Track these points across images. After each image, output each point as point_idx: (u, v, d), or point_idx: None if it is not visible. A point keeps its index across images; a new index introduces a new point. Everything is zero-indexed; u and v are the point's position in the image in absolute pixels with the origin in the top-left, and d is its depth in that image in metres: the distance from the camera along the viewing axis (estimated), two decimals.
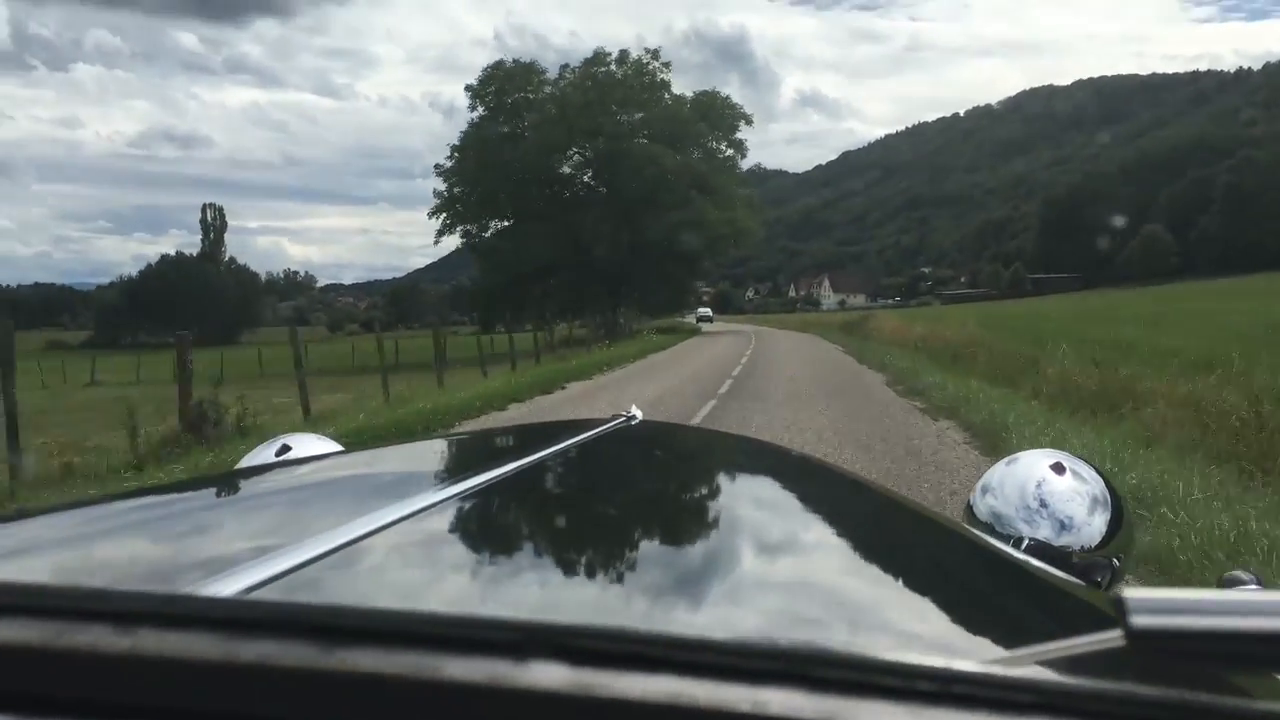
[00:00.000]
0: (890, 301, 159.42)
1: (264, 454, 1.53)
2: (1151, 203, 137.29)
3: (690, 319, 79.10)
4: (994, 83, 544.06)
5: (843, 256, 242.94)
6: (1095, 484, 1.33)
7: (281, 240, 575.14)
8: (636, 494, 1.13)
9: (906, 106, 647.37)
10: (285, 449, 1.53)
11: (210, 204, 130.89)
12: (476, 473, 0.94)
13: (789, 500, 1.15)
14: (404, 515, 0.77)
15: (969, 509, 1.38)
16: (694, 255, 50.83)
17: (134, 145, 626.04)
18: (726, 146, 54.82)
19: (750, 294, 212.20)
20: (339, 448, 1.60)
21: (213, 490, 1.15)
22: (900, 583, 0.82)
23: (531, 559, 0.80)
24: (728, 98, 56.07)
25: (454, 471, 1.05)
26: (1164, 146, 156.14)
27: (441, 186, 51.29)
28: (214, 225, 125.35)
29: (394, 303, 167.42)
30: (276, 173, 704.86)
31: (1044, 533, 1.25)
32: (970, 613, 0.73)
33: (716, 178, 51.89)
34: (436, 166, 51.99)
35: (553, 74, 54.66)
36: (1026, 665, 0.45)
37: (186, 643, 0.37)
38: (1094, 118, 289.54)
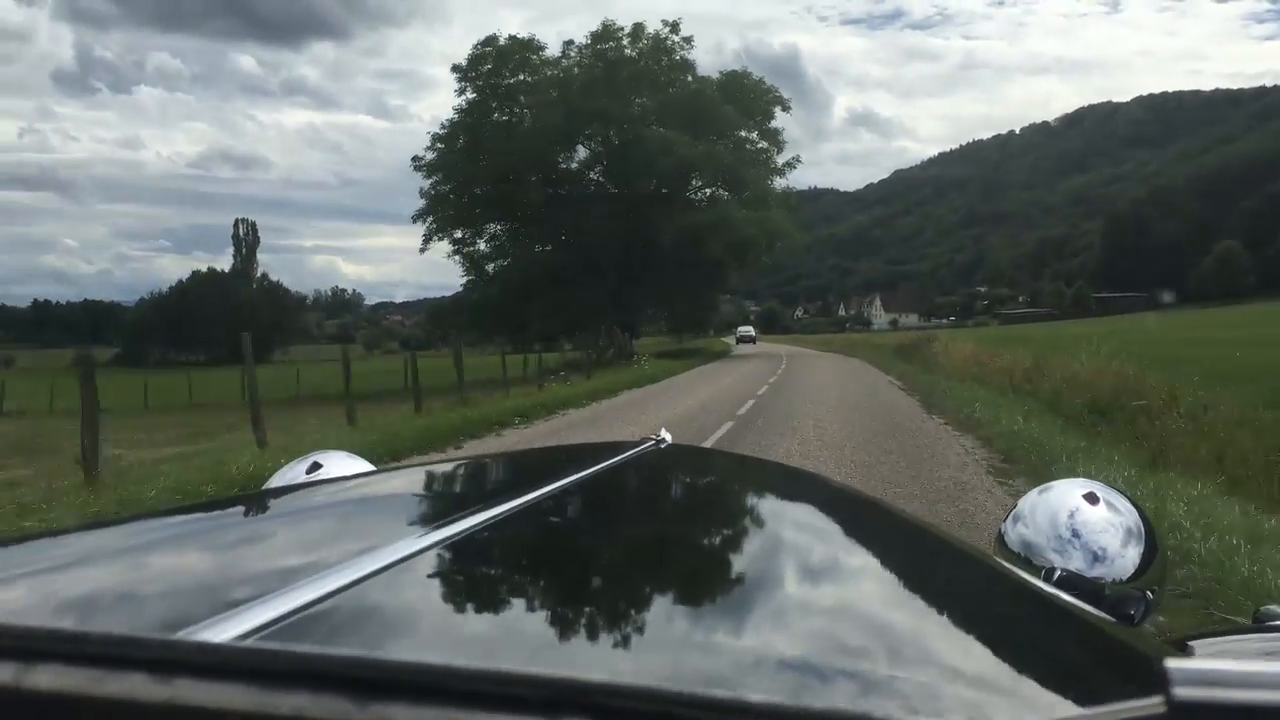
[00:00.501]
0: (945, 321, 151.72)
1: (295, 471, 1.52)
2: (1223, 220, 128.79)
3: (730, 339, 72.63)
4: (1049, 101, 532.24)
5: (894, 275, 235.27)
6: (1130, 515, 1.30)
7: (336, 259, 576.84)
8: (668, 521, 1.13)
9: (959, 125, 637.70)
10: (316, 466, 1.51)
11: (242, 219, 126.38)
12: (506, 498, 0.93)
13: (821, 529, 1.14)
14: (432, 543, 0.76)
15: (1000, 538, 1.36)
16: (717, 263, 43.00)
17: (193, 166, 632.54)
18: (759, 137, 45.76)
19: (799, 313, 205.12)
20: (370, 466, 1.58)
21: (239, 511, 1.13)
22: (935, 619, 0.81)
23: (563, 593, 0.79)
24: (761, 80, 46.85)
25: (483, 496, 1.02)
26: (1235, 162, 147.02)
27: (426, 184, 43.40)
28: (246, 240, 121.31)
29: (434, 320, 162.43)
30: (331, 193, 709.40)
31: (1076, 564, 1.23)
32: (1004, 654, 0.72)
33: (746, 171, 43.35)
34: (414, 159, 42.80)
35: (554, 51, 46.02)
36: None
37: (223, 694, 0.36)
38: (1154, 134, 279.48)
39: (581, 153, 45.57)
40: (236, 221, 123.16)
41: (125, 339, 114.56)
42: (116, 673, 0.37)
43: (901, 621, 0.77)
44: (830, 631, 0.72)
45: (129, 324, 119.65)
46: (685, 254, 40.78)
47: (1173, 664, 0.35)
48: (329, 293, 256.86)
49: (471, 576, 0.79)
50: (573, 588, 0.80)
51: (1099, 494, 1.31)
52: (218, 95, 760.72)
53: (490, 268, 45.98)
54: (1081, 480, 1.38)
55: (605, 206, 42.82)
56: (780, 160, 46.46)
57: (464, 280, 46.99)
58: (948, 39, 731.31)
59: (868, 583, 0.88)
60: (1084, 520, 1.26)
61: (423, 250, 44.47)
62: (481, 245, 45.65)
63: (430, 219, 43.50)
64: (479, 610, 0.72)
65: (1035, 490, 1.40)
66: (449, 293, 57.70)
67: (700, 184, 45.59)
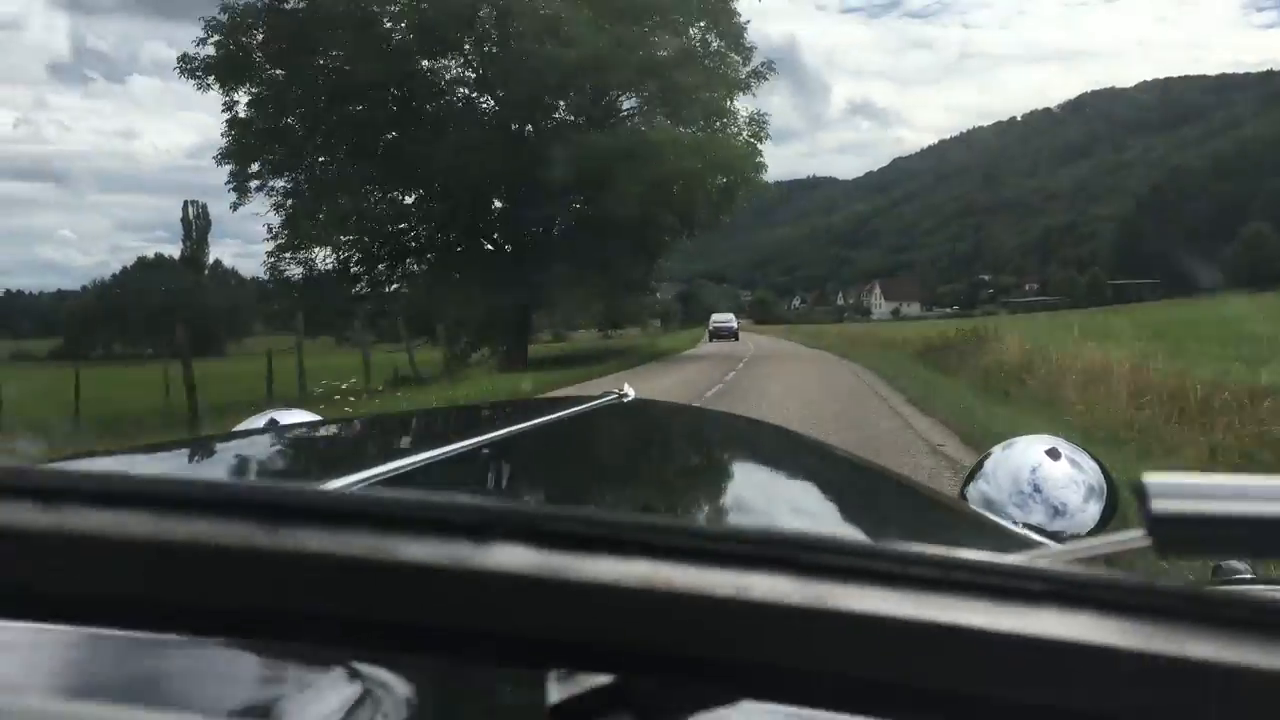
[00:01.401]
0: (949, 310, 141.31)
1: (253, 424, 1.51)
2: (1246, 203, 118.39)
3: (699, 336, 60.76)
4: (1047, 90, 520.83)
5: (894, 264, 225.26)
6: (1091, 471, 1.28)
7: None
8: (626, 456, 1.16)
9: (958, 115, 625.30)
10: (273, 423, 1.50)
11: (192, 201, 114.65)
12: (474, 434, 0.93)
13: (781, 468, 1.13)
14: (390, 470, 0.74)
15: (963, 491, 1.34)
16: (645, 221, 26.99)
17: (191, 156, 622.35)
18: (714, 37, 30.52)
19: (795, 302, 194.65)
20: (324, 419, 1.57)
21: (209, 449, 1.13)
22: (886, 528, 0.78)
23: (562, 492, 0.79)
24: None
25: (452, 433, 1.01)
26: (1255, 145, 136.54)
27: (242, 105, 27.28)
28: (197, 225, 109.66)
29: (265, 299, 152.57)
30: None
31: (1036, 517, 1.21)
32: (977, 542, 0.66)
33: (688, 77, 27.36)
34: (182, 59, 26.02)
35: None
36: (1039, 559, 0.40)
37: (115, 521, 0.33)
38: (1159, 120, 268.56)
39: (450, 61, 29.56)
40: (186, 204, 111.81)
41: (66, 330, 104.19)
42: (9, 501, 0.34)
43: (855, 520, 0.75)
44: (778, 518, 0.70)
45: (68, 314, 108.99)
46: (597, 208, 26.68)
47: (1150, 477, 0.34)
48: None
49: (485, 474, 0.79)
50: (571, 490, 0.80)
51: (1061, 450, 1.29)
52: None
53: (312, 229, 28.05)
54: (1045, 436, 1.36)
55: (482, 134, 27.22)
56: (745, 69, 30.54)
57: (272, 245, 28.87)
58: (946, 27, 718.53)
59: (823, 507, 0.87)
60: (1045, 475, 1.25)
61: (235, 207, 28.24)
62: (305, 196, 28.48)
63: (234, 163, 27.29)
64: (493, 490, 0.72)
65: (998, 446, 1.38)
66: None
67: (625, 100, 30.38)
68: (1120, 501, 1.28)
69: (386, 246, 29.34)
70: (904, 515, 0.97)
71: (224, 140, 27.07)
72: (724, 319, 59.00)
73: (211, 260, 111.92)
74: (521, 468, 0.99)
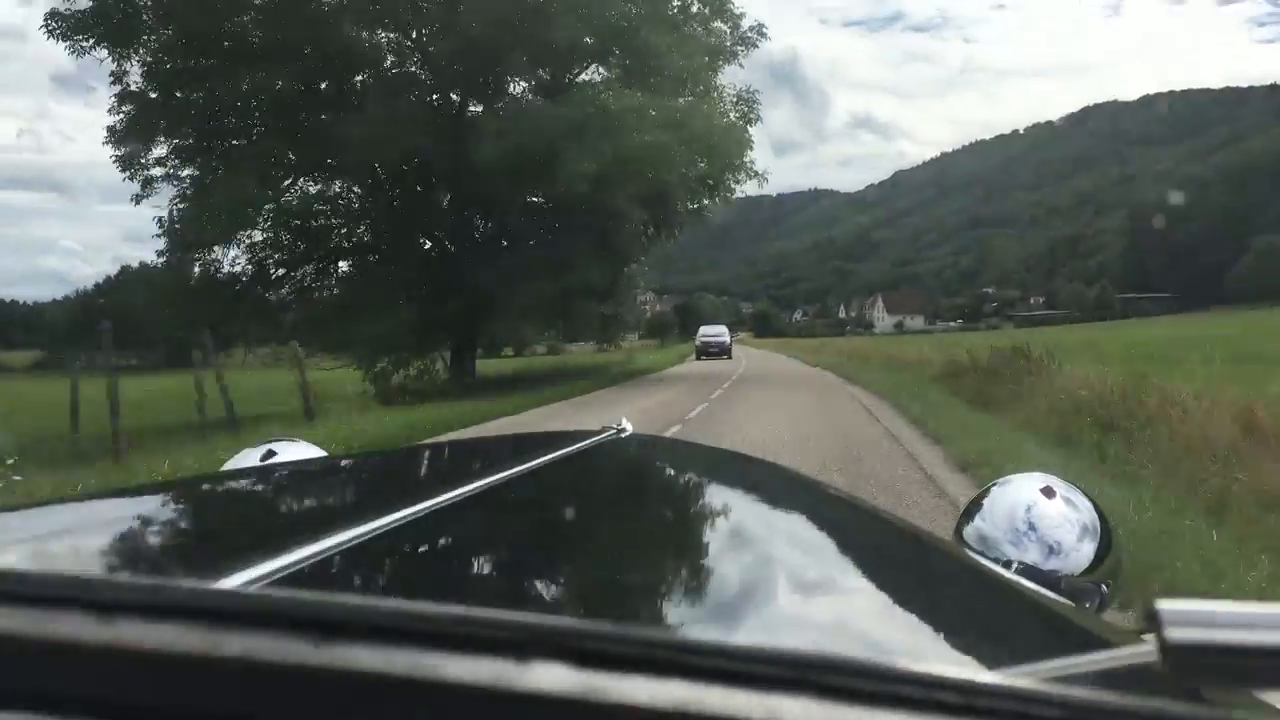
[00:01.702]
0: (953, 324, 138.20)
1: (249, 459, 1.48)
2: (1254, 217, 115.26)
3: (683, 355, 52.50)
4: (1048, 104, 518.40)
5: (896, 277, 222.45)
6: (1086, 510, 1.28)
7: None
8: (630, 502, 1.12)
9: (960, 128, 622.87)
10: (270, 454, 1.47)
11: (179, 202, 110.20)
12: (468, 480, 0.91)
13: (784, 513, 1.13)
14: (395, 520, 0.73)
15: (957, 531, 1.33)
16: (605, 210, 21.90)
17: None
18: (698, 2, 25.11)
19: (797, 315, 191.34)
20: (324, 454, 1.54)
21: (202, 490, 1.11)
22: (901, 597, 0.79)
23: (529, 565, 0.77)
24: None
25: (445, 478, 1.00)
26: (1265, 159, 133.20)
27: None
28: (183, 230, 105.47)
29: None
30: None
31: (1031, 556, 1.21)
32: (980, 628, 0.69)
33: (657, 36, 22.20)
34: (51, 16, 20.44)
35: None
36: (1055, 679, 0.40)
37: (168, 635, 0.34)
38: (1163, 133, 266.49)
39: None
40: (172, 206, 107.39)
41: (48, 341, 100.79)
42: (60, 613, 0.35)
43: (871, 594, 0.76)
44: (801, 603, 0.71)
45: (49, 324, 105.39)
46: (549, 196, 22.17)
47: (1164, 604, 0.33)
48: None
49: (434, 552, 0.78)
50: (538, 565, 0.78)
51: (1056, 488, 1.29)
52: None
53: (217, 221, 21.85)
54: (1039, 475, 1.36)
55: (417, 110, 22.13)
56: (730, 35, 25.12)
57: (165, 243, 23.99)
58: (947, 41, 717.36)
59: (835, 562, 0.87)
60: (1040, 514, 1.24)
61: (137, 200, 22.93)
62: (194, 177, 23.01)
63: (128, 145, 22.34)
64: (444, 578, 0.71)
65: (994, 484, 1.38)
66: None
67: (586, 69, 24.24)
68: (1115, 541, 1.28)
69: (311, 244, 24.13)
70: (916, 574, 0.95)
71: (113, 118, 22.01)
72: (713, 332, 48.52)
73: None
74: (529, 518, 0.96)
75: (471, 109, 23.83)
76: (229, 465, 1.48)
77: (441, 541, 0.82)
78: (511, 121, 20.77)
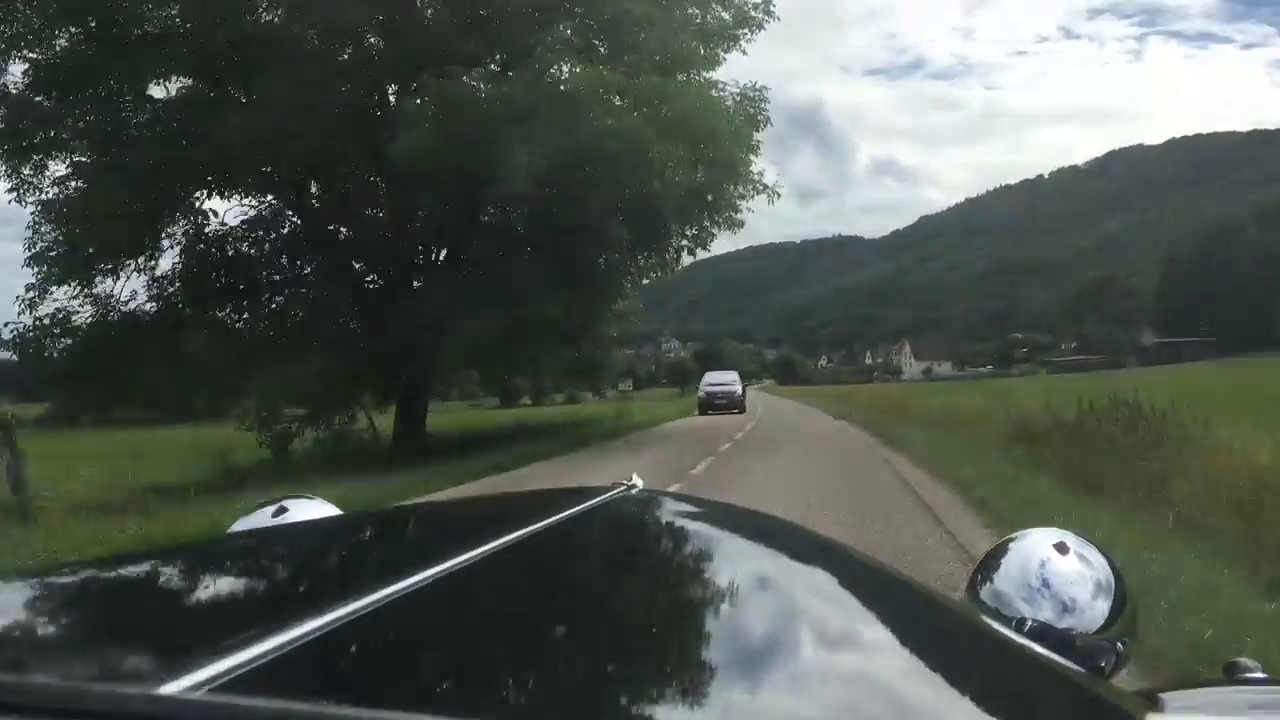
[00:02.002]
0: (982, 370, 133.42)
1: (260, 516, 1.43)
2: None
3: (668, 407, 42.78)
4: (1072, 149, 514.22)
5: (922, 323, 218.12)
6: (1100, 566, 1.26)
7: None
8: (643, 574, 1.07)
9: (984, 174, 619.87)
10: (282, 510, 1.43)
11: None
12: (476, 544, 0.87)
13: (799, 580, 1.09)
14: (396, 591, 0.70)
15: (971, 584, 1.31)
16: (580, 228, 17.49)
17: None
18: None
19: (822, 362, 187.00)
20: (337, 511, 1.47)
21: (206, 557, 1.05)
22: (911, 668, 0.78)
23: (537, 643, 0.73)
24: None
25: (453, 542, 0.93)
26: None
27: None
28: None
29: None
30: None
31: (1046, 614, 1.18)
32: (978, 705, 0.69)
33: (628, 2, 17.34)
34: None
35: None
36: None
37: None
38: (1190, 176, 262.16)
39: None
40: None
41: (53, 393, 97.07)
42: None
43: (880, 673, 0.74)
44: (816, 688, 0.70)
45: (54, 374, 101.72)
46: (495, 204, 18.14)
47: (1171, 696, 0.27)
48: None
49: (434, 631, 0.73)
50: (547, 644, 0.75)
51: (1070, 544, 1.27)
52: None
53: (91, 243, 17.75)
54: (1054, 530, 1.34)
55: (336, 102, 17.59)
56: (728, 14, 20.01)
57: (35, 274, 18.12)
58: (969, 88, 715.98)
59: (854, 639, 0.85)
60: (1054, 570, 1.22)
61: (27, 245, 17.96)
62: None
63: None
64: (441, 668, 0.66)
65: (1009, 538, 1.36)
66: None
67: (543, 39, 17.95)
68: (1129, 598, 1.26)
69: (230, 273, 19.66)
70: (931, 640, 0.93)
71: None
72: (720, 381, 39.55)
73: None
74: (536, 589, 0.91)
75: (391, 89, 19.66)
76: (238, 523, 1.41)
77: (441, 618, 0.76)
78: (440, 108, 16.16)
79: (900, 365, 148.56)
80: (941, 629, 1.00)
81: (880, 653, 0.82)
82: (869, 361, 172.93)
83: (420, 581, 0.74)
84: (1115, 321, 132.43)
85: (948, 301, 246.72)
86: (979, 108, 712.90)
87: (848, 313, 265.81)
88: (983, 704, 0.70)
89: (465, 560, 0.82)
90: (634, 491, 1.34)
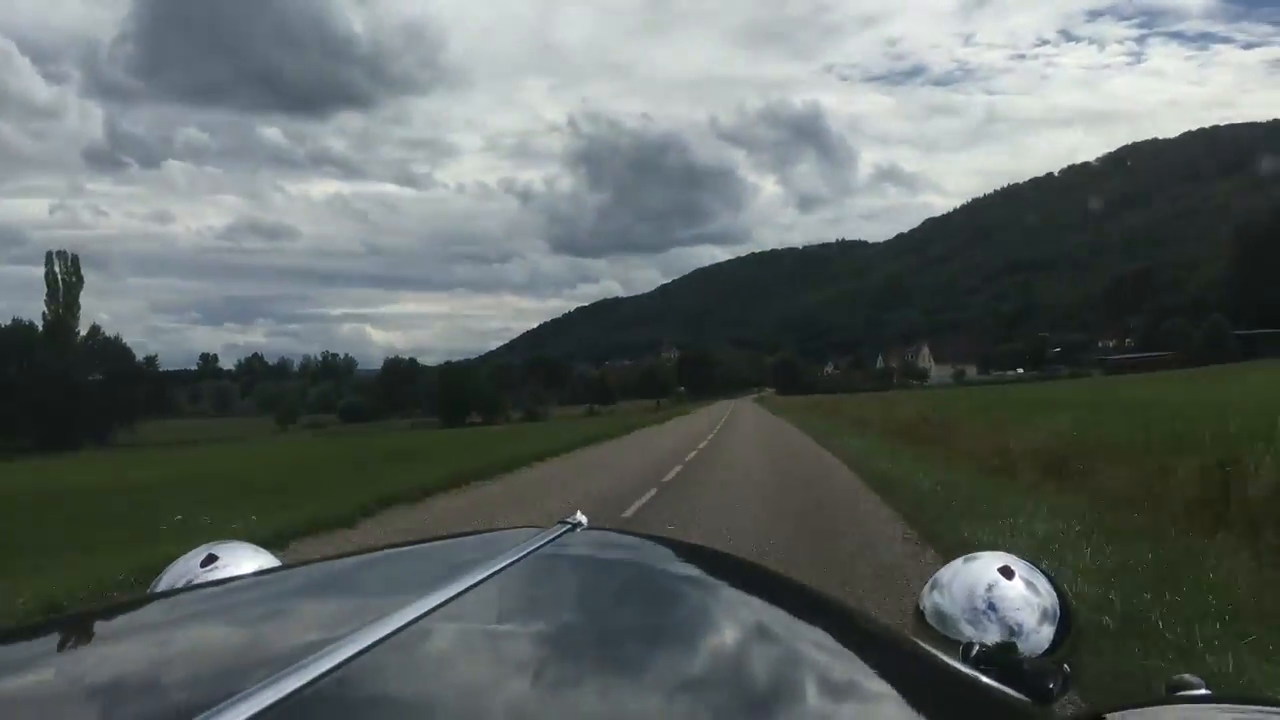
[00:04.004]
0: (1015, 372, 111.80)
1: (188, 565, 1.32)
2: None
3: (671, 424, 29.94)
4: (1076, 152, 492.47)
5: (934, 325, 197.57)
6: (1046, 593, 1.23)
7: (364, 327, 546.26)
8: (594, 620, 1.01)
9: (987, 179, 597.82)
10: (212, 559, 1.32)
11: (59, 253, 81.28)
12: (415, 598, 0.81)
13: (755, 617, 1.05)
14: (351, 654, 0.65)
15: (917, 608, 1.28)
16: None
17: (223, 238, 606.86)
18: None
19: (829, 368, 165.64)
20: (274, 561, 1.37)
21: (115, 621, 0.96)
22: (859, 702, 0.76)
23: (503, 697, 0.70)
24: None
25: (394, 596, 0.86)
26: None
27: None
28: (66, 282, 79.24)
29: (384, 386, 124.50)
30: (359, 261, 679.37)
31: (992, 637, 1.17)
32: None
33: None
34: None
35: None
36: None
37: None
38: (1212, 167, 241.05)
39: None
40: (49, 256, 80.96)
41: None
42: None
43: (831, 705, 0.72)
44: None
45: None
46: None
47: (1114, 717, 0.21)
48: (319, 357, 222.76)
49: (397, 692, 0.67)
50: (513, 694, 0.71)
51: (1015, 569, 1.25)
52: (245, 168, 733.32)
53: None
54: (1000, 554, 1.30)
55: None
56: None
57: None
58: (969, 94, 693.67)
59: (807, 674, 0.83)
60: (1000, 595, 1.20)
61: None
62: None
63: None
64: None
65: (960, 559, 1.32)
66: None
67: None
68: (1074, 622, 1.23)
69: None
70: (892, 676, 0.90)
71: None
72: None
73: (84, 329, 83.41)
74: (484, 649, 0.84)
75: None
76: (167, 573, 1.29)
77: (366, 694, 0.68)
78: None
79: (922, 368, 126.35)
80: (890, 661, 0.97)
81: (831, 686, 0.80)
82: (880, 365, 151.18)
83: (375, 641, 0.69)
84: (1168, 314, 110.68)
85: (960, 303, 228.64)
86: (980, 113, 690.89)
87: (853, 317, 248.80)
88: None
89: (414, 616, 0.77)
90: (578, 531, 1.26)
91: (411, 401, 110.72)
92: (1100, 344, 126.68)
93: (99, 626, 0.91)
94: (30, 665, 0.73)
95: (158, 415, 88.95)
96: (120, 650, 0.81)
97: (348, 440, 60.53)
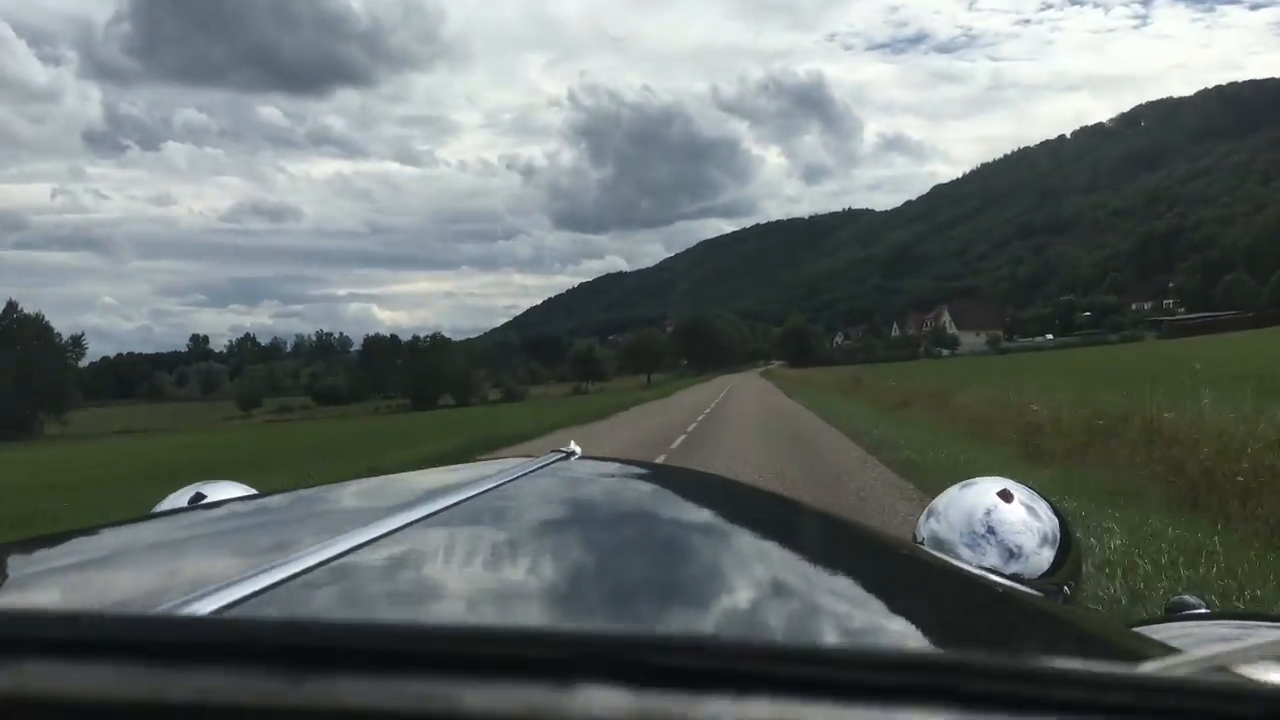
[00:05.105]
0: (1044, 339, 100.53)
1: (176, 501, 1.34)
2: None
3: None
4: (1083, 118, 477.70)
5: (948, 291, 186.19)
6: (1047, 518, 1.21)
7: (370, 306, 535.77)
8: (592, 527, 1.00)
9: (995, 145, 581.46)
10: (200, 496, 1.34)
11: None
12: (419, 505, 0.81)
13: (756, 530, 1.02)
14: (353, 546, 0.64)
15: (914, 536, 1.25)
16: None
17: (225, 220, 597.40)
18: None
19: (839, 339, 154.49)
20: (254, 492, 1.38)
21: (130, 532, 0.95)
22: (891, 599, 0.72)
23: (530, 578, 0.69)
24: None
25: (397, 506, 0.86)
26: None
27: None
28: None
29: (364, 367, 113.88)
30: (363, 241, 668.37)
31: (990, 560, 1.14)
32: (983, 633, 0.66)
33: None
34: None
35: None
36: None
37: (96, 678, 0.24)
38: (1229, 125, 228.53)
39: None
40: None
41: None
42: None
43: (848, 598, 0.70)
44: (794, 604, 0.65)
45: None
46: None
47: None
48: (313, 337, 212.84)
49: (412, 570, 0.68)
50: (527, 578, 0.70)
51: (1015, 493, 1.22)
52: (246, 148, 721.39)
53: None
54: (998, 479, 1.28)
55: None
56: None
57: None
58: (973, 61, 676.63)
59: (818, 573, 0.80)
60: (1000, 519, 1.18)
61: None
62: None
63: None
64: (431, 594, 0.62)
65: (955, 486, 1.29)
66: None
67: None
68: (1073, 543, 1.20)
69: None
70: (911, 577, 0.87)
71: None
72: None
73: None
74: (496, 537, 0.83)
75: None
76: (156, 509, 1.30)
77: (421, 560, 0.70)
78: None
79: (951, 335, 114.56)
80: (917, 567, 0.93)
81: (849, 583, 0.77)
82: (897, 334, 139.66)
83: (367, 540, 0.68)
84: (1210, 271, 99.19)
85: (972, 269, 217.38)
86: (985, 79, 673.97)
87: (863, 285, 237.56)
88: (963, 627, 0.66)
89: (406, 522, 0.76)
90: (573, 459, 1.25)
91: (390, 382, 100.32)
92: (1134, 306, 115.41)
93: (86, 542, 0.89)
94: (14, 575, 0.71)
95: (116, 399, 79.41)
96: (109, 557, 0.80)
97: (288, 428, 51.66)
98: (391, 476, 1.31)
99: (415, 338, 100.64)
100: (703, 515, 1.04)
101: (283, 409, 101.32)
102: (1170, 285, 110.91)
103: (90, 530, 0.96)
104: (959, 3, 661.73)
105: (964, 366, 38.06)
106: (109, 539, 0.89)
